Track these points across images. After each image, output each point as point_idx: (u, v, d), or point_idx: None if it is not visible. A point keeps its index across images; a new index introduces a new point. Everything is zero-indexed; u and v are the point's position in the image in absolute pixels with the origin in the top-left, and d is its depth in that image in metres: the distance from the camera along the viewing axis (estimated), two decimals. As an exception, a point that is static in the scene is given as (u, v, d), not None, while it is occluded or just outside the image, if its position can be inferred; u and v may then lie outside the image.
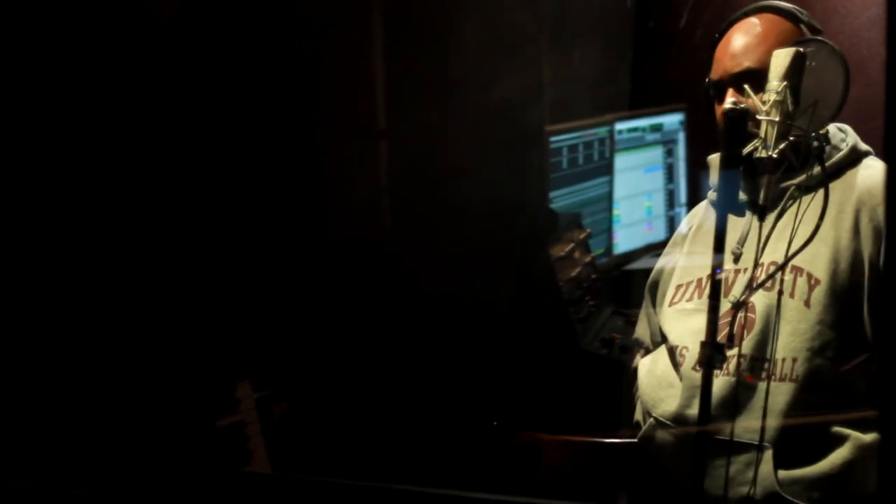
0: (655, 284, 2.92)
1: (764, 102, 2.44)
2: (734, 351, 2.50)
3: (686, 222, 2.97)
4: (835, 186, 2.55)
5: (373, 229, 3.82)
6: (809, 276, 2.50)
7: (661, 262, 2.95)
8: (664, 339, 2.77)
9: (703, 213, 2.90)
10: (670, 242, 2.99)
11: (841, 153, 2.61)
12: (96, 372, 3.15)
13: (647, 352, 2.92)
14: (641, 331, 2.98)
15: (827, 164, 2.54)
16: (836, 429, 2.47)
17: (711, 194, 2.84)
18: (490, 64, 3.77)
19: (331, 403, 3.50)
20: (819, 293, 2.49)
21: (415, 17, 3.79)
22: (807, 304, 2.49)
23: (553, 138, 3.85)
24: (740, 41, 2.67)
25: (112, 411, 3.12)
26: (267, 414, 3.38)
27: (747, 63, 2.63)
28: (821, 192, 2.48)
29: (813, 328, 2.48)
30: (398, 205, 3.85)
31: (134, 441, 3.07)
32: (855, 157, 2.63)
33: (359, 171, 3.80)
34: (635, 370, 2.97)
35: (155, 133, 3.32)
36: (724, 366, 2.51)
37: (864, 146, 2.66)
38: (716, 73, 2.71)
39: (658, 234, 4.37)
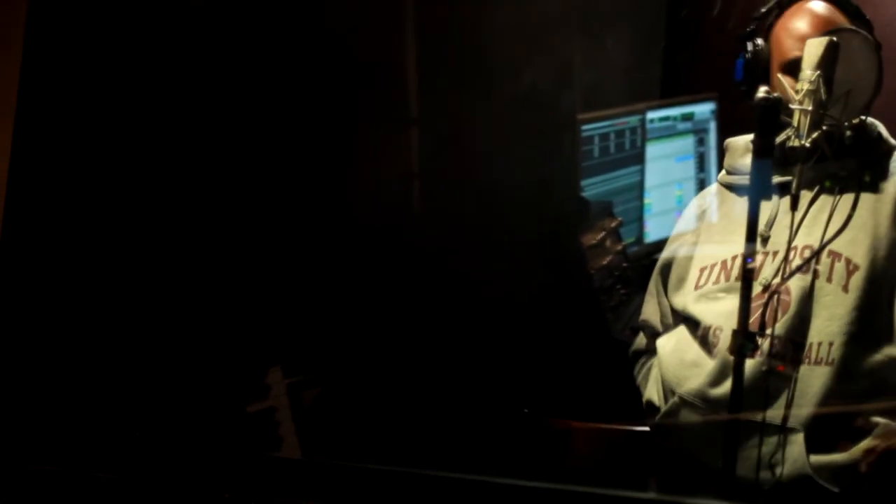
0: (668, 267, 2.90)
1: (797, 91, 2.44)
2: (768, 331, 2.50)
3: (696, 205, 2.96)
4: (870, 175, 2.56)
5: (403, 216, 3.82)
6: (848, 261, 2.50)
7: (673, 246, 2.93)
8: (691, 322, 2.76)
9: (717, 196, 2.88)
10: (679, 226, 2.98)
11: (874, 145, 2.61)
12: (129, 357, 3.17)
13: (655, 334, 2.92)
14: (650, 313, 2.97)
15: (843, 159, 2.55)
16: (870, 417, 2.47)
17: (724, 176, 2.83)
18: (522, 51, 3.76)
19: (361, 389, 3.51)
20: (858, 279, 2.49)
21: (446, 4, 3.79)
22: (845, 288, 2.49)
23: (584, 126, 3.84)
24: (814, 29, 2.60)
25: (144, 396, 3.14)
26: (298, 400, 3.39)
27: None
28: (854, 178, 2.49)
29: (850, 313, 2.48)
30: (429, 192, 3.85)
31: (165, 426, 3.09)
32: (887, 149, 2.62)
33: (390, 158, 3.80)
34: (635, 353, 2.98)
35: (187, 120, 3.33)
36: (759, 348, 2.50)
37: (893, 140, 2.66)
38: (791, 53, 2.65)
39: (689, 223, 4.36)
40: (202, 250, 3.34)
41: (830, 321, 2.49)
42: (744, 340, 2.30)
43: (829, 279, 2.51)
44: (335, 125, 3.63)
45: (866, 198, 2.50)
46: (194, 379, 3.27)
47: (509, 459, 3.15)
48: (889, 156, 2.62)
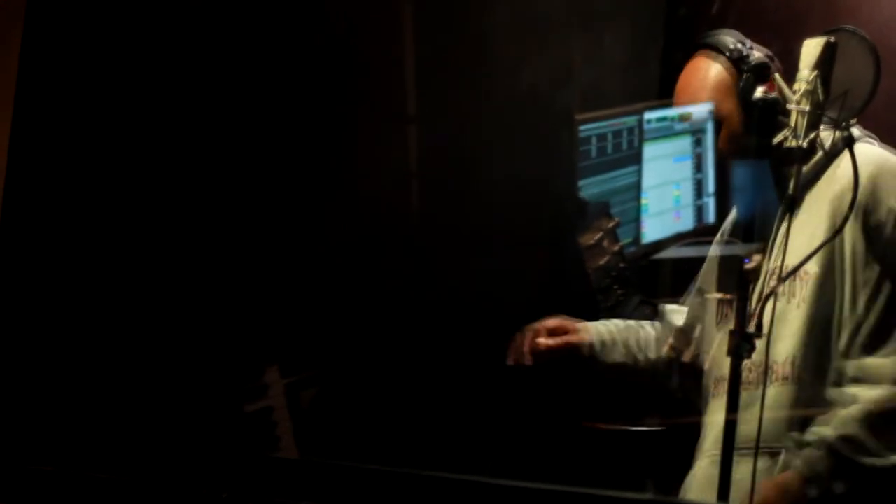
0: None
1: (794, 92, 2.44)
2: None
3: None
4: (822, 179, 2.57)
5: (402, 215, 3.82)
6: (803, 272, 2.51)
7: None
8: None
9: (729, 224, 2.94)
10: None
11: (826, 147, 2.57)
12: (126, 356, 3.17)
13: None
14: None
15: (813, 161, 2.54)
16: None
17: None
18: (520, 51, 3.77)
19: (359, 389, 3.51)
20: (811, 289, 2.50)
21: (445, 2, 3.79)
22: (802, 301, 2.51)
23: (582, 127, 3.84)
24: (683, 87, 3.06)
25: (142, 396, 3.14)
26: (295, 400, 3.39)
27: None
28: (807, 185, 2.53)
29: (805, 324, 2.49)
30: (427, 190, 3.85)
31: (162, 425, 3.09)
32: (840, 147, 2.57)
33: (388, 156, 3.80)
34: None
35: (185, 116, 3.33)
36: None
37: (856, 133, 2.63)
38: None
39: (686, 223, 4.34)
40: (199, 249, 3.34)
41: (791, 337, 2.51)
42: (741, 341, 2.30)
43: (790, 295, 2.53)
44: (333, 123, 3.63)
45: (812, 205, 2.52)
46: (192, 378, 3.27)
47: (500, 459, 3.15)
48: (838, 156, 2.59)
